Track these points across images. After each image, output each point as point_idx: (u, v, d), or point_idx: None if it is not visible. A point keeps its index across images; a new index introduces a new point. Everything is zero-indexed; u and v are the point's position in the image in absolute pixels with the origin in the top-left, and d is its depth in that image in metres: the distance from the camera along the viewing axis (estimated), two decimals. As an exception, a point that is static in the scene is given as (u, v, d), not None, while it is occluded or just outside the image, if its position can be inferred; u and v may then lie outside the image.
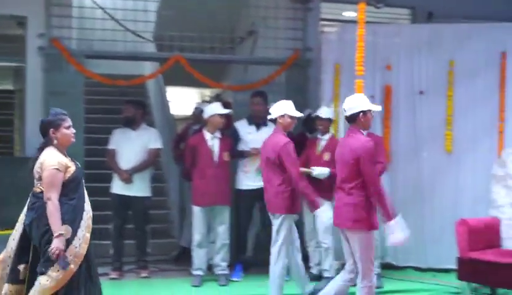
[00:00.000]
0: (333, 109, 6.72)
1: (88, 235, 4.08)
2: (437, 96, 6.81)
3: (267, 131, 6.47)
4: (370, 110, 4.74)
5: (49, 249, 3.90)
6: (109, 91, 9.39)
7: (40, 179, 4.06)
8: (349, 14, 8.21)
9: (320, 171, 6.04)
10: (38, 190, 4.07)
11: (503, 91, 6.78)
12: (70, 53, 6.90)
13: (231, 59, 7.71)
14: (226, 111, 6.36)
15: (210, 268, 6.44)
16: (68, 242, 3.96)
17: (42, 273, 3.97)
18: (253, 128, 6.52)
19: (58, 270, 3.92)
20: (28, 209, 4.12)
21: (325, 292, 4.83)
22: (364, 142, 4.61)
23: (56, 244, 3.89)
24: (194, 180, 6.33)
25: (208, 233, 6.40)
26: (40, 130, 4.20)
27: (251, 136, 6.46)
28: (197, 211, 6.27)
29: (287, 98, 7.51)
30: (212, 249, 6.42)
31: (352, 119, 4.71)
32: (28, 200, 4.15)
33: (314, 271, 6.39)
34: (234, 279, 6.39)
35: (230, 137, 6.51)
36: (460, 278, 5.73)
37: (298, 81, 7.57)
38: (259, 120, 6.52)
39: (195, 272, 6.26)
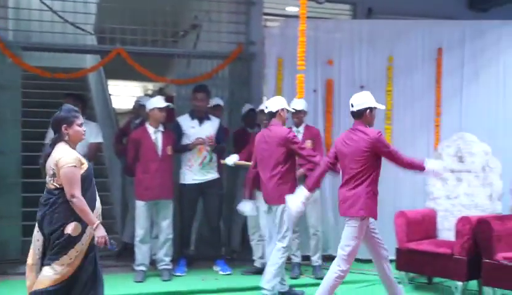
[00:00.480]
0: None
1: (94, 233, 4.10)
2: (377, 90, 6.84)
3: (210, 124, 6.46)
4: (375, 108, 4.91)
5: (95, 241, 4.02)
6: (49, 84, 9.12)
7: (54, 175, 4.03)
8: (291, 9, 8.24)
9: None
10: (52, 186, 4.05)
11: (439, 86, 6.98)
12: (6, 45, 6.65)
13: (173, 53, 7.60)
14: (165, 105, 6.25)
15: (153, 263, 6.35)
16: (76, 239, 3.98)
17: (47, 265, 4.00)
18: (195, 122, 6.46)
19: (63, 264, 3.97)
20: (40, 204, 4.10)
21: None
22: (375, 133, 4.79)
23: (99, 234, 3.98)
24: (137, 175, 6.23)
25: (151, 228, 6.31)
26: (52, 125, 4.18)
27: (194, 130, 6.40)
28: (140, 205, 6.17)
29: (230, 92, 7.56)
30: (155, 244, 6.34)
31: (359, 115, 4.87)
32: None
33: (258, 264, 6.41)
34: (177, 274, 6.32)
35: (173, 131, 6.44)
36: (398, 267, 5.87)
37: (241, 75, 7.56)
38: (201, 114, 6.47)
39: (138, 268, 6.16)
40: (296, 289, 5.75)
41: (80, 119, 4.20)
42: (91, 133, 6.38)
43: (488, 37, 7.01)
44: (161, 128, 6.24)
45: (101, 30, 7.95)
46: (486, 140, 6.08)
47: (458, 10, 8.47)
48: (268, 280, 5.34)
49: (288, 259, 5.90)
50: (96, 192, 4.20)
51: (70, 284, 4.03)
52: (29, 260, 4.12)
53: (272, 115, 5.51)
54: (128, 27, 7.21)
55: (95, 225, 3.97)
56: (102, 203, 4.25)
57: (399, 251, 5.87)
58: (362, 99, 4.91)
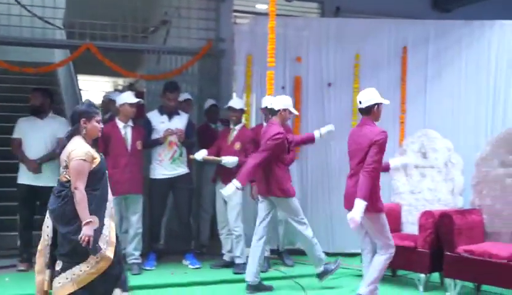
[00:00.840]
0: (245, 100, 6.80)
1: (113, 224, 4.19)
2: (344, 87, 7.02)
3: (179, 120, 6.46)
4: (381, 103, 5.01)
5: (79, 237, 3.92)
6: (17, 79, 9.00)
7: (66, 167, 4.10)
8: (261, 6, 8.27)
9: (228, 160, 6.13)
10: (64, 179, 4.12)
11: (404, 84, 7.10)
12: (-29, 39, 6.55)
13: (143, 48, 7.57)
14: (136, 101, 6.25)
15: (122, 257, 6.32)
16: (98, 231, 4.03)
17: (61, 255, 4.06)
18: (165, 117, 6.46)
19: (97, 258, 4.00)
20: (53, 195, 4.18)
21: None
22: (381, 132, 4.86)
23: (85, 232, 3.92)
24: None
25: (120, 222, 6.30)
26: (71, 118, 4.27)
27: (163, 125, 6.40)
28: (109, 200, 6.14)
29: (199, 88, 7.57)
30: (125, 238, 6.33)
31: (367, 111, 4.96)
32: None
33: (227, 258, 6.47)
34: (147, 268, 6.32)
35: (143, 127, 6.43)
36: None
37: (211, 71, 7.57)
38: (171, 110, 6.48)
39: (107, 262, 6.14)
40: (265, 282, 5.81)
41: (99, 116, 4.30)
42: (59, 127, 6.33)
43: (451, 37, 7.16)
44: (131, 123, 6.23)
45: (70, 24, 7.87)
46: (449, 136, 6.21)
47: (423, 10, 8.64)
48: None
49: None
50: (108, 184, 4.27)
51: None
52: (39, 247, 4.22)
53: (273, 112, 5.60)
54: (98, 22, 7.17)
55: (85, 221, 3.95)
56: (71, 198, 4.27)
57: (364, 245, 5.97)
58: (369, 96, 5.00)
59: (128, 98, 6.23)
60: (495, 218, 5.71)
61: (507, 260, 5.09)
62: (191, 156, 6.31)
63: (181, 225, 6.67)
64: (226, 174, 6.15)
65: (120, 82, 11.86)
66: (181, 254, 6.63)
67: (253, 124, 6.83)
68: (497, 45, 7.11)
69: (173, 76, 7.29)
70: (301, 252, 6.86)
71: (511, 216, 5.57)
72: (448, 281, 5.40)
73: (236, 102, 6.44)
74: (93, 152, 4.14)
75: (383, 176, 6.38)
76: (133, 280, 5.88)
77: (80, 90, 9.83)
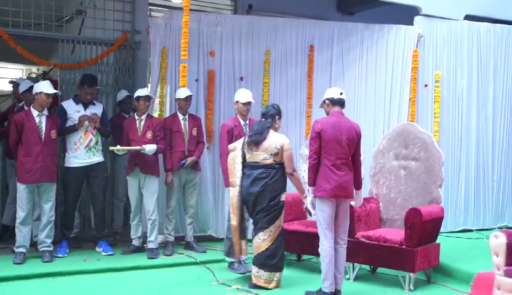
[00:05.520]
0: (160, 91, 6.65)
1: None
2: (254, 82, 7.01)
3: (94, 109, 6.23)
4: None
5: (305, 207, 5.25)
6: None
7: (276, 154, 5.10)
8: (176, 1, 8.12)
9: (150, 148, 6.06)
10: (273, 162, 5.11)
11: (311, 80, 7.20)
12: None
13: (58, 37, 7.18)
14: (54, 92, 5.92)
15: (34, 246, 6.03)
16: (284, 205, 5.24)
17: (263, 228, 5.13)
18: (80, 106, 6.21)
19: (276, 225, 5.15)
20: (256, 179, 5.09)
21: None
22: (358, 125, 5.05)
23: (308, 201, 5.09)
24: (19, 158, 5.85)
25: (32, 210, 5.97)
26: (269, 113, 5.26)
27: (79, 114, 6.14)
28: (21, 188, 5.81)
29: (115, 78, 7.33)
30: (37, 226, 6.02)
31: (343, 103, 5.03)
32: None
33: (136, 243, 6.35)
34: (59, 255, 6.05)
35: (58, 115, 6.13)
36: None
37: (126, 62, 7.36)
38: (86, 100, 6.22)
39: (18, 250, 5.81)
40: (170, 266, 5.86)
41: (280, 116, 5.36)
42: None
43: (353, 38, 7.33)
44: (45, 112, 5.91)
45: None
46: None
47: (329, 12, 8.81)
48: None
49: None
50: None
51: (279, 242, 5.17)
52: (234, 223, 5.21)
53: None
54: (10, 9, 6.75)
55: (304, 194, 5.18)
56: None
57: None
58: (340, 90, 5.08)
59: (46, 87, 5.88)
60: (389, 206, 5.90)
61: (399, 244, 5.28)
62: (111, 148, 6.10)
63: (94, 213, 6.44)
64: (144, 163, 6.12)
65: (34, 69, 11.23)
66: (95, 242, 6.39)
67: (167, 114, 6.68)
68: (393, 47, 7.37)
69: (88, 66, 7.04)
70: (212, 239, 6.83)
71: (403, 204, 5.77)
72: (346, 264, 5.51)
73: (147, 92, 6.33)
74: None
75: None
76: (45, 267, 5.65)
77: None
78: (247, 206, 5.23)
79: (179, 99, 6.30)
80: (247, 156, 5.25)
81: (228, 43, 6.92)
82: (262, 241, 5.13)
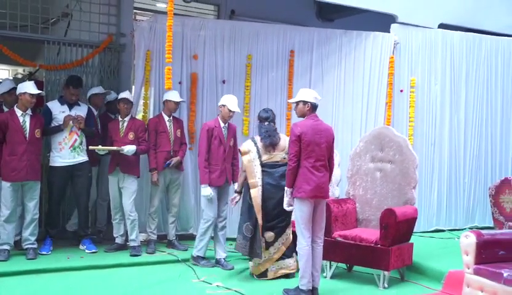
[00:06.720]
0: (144, 93, 6.67)
1: None
2: (237, 85, 7.06)
3: (79, 110, 6.23)
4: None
5: None
6: None
7: (287, 153, 5.20)
8: (161, 5, 8.14)
9: (129, 149, 6.10)
10: (286, 161, 5.18)
11: (291, 84, 7.27)
12: None
13: (43, 39, 7.15)
14: (37, 92, 5.90)
15: (18, 243, 6.01)
16: None
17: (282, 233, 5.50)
18: (65, 107, 6.19)
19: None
20: (283, 175, 5.22)
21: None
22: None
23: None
24: (3, 157, 5.82)
25: (16, 208, 5.94)
26: (270, 117, 5.64)
27: (64, 115, 6.12)
28: (6, 186, 5.79)
29: (100, 80, 7.32)
30: (20, 224, 5.99)
31: (316, 107, 5.09)
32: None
33: (119, 241, 6.38)
34: (43, 253, 6.03)
35: (43, 115, 6.12)
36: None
37: (111, 64, 7.36)
38: (72, 101, 6.22)
39: (2, 247, 5.78)
40: (152, 263, 5.92)
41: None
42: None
43: (332, 44, 7.42)
44: (29, 112, 5.89)
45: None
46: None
47: (308, 18, 8.88)
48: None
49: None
50: None
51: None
52: (261, 222, 5.40)
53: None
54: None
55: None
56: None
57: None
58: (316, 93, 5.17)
59: (29, 88, 5.87)
60: (365, 206, 5.99)
61: (374, 243, 5.37)
62: (91, 147, 6.10)
63: (79, 212, 6.43)
64: (125, 163, 6.17)
65: (20, 70, 11.15)
66: (79, 240, 6.39)
67: (151, 115, 6.70)
68: (371, 53, 7.48)
69: (73, 67, 7.02)
70: (193, 238, 6.84)
71: (378, 205, 5.86)
72: (324, 262, 5.59)
73: (129, 95, 6.38)
74: None
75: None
76: (28, 265, 5.63)
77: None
78: (268, 204, 5.42)
79: (170, 101, 6.33)
80: (264, 157, 5.50)
81: (211, 47, 6.96)
82: (286, 239, 5.55)
